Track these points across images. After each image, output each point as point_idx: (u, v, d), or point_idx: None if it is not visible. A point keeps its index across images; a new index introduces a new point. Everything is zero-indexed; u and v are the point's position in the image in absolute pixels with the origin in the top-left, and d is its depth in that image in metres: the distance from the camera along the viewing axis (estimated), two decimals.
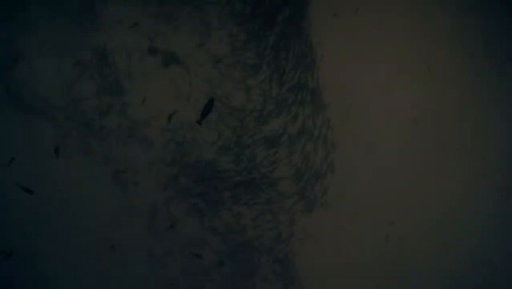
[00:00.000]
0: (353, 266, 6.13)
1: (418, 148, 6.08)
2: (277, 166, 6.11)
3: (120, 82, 6.13)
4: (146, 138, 6.20)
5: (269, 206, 6.16)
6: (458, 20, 5.99)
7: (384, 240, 6.09)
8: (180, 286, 6.30)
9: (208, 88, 6.10)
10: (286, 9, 5.91)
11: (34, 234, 6.17)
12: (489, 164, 6.10)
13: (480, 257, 6.14)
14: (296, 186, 6.14)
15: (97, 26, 6.06)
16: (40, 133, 6.14)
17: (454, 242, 6.13)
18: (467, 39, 6.01)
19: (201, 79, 6.10)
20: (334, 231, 6.11)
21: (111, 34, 6.06)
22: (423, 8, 5.97)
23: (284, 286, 6.22)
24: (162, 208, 6.25)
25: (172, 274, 6.31)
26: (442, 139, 6.07)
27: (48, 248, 6.17)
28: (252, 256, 6.24)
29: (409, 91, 6.03)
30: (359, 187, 6.06)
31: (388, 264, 6.13)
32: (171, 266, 6.30)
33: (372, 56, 5.96)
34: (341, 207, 6.08)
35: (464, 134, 6.09)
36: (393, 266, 6.13)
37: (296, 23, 5.95)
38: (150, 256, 6.29)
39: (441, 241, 6.13)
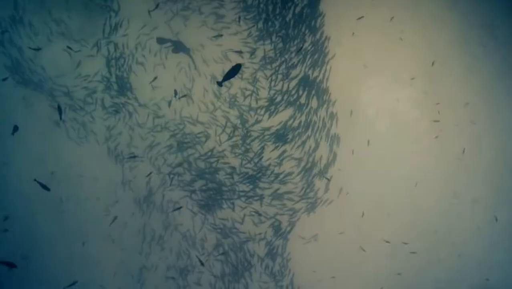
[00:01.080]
0: (351, 267, 6.00)
1: (422, 147, 6.05)
2: (281, 160, 6.03)
3: (126, 66, 6.14)
4: (149, 125, 6.16)
5: (271, 202, 6.05)
6: (467, 20, 6.10)
7: (385, 241, 5.99)
8: (175, 277, 6.13)
9: (215, 80, 6.08)
10: (299, 4, 5.97)
11: (33, 202, 6.08)
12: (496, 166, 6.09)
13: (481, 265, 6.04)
14: (300, 182, 6.05)
15: (109, 10, 6.09)
16: (39, 107, 6.15)
17: (455, 245, 6.05)
18: (475, 38, 6.09)
19: (209, 71, 6.09)
20: (334, 229, 6.00)
21: (122, 19, 6.10)
22: (433, 8, 6.07)
23: (276, 284, 6.04)
24: (160, 195, 6.16)
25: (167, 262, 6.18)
26: (447, 139, 6.05)
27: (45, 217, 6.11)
28: (249, 252, 6.09)
29: (415, 91, 6.05)
30: (362, 185, 5.99)
31: (388, 265, 6.00)
32: (168, 255, 6.16)
33: (383, 56, 6.00)
34: (342, 205, 5.98)
35: (471, 133, 6.08)
36: (392, 267, 6.01)
37: (309, 19, 6.01)
38: (148, 243, 6.17)
39: (443, 242, 6.04)
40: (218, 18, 6.12)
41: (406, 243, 5.95)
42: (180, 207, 6.06)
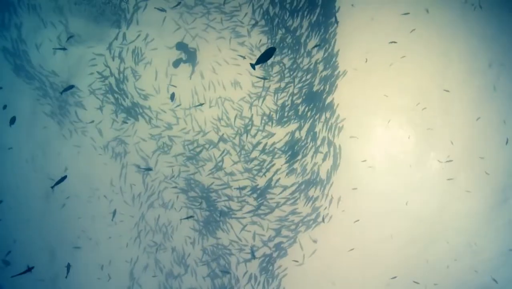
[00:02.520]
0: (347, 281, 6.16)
1: (423, 165, 6.00)
2: (285, 175, 5.96)
3: (132, 72, 5.95)
4: (150, 132, 6.05)
5: (273, 216, 6.04)
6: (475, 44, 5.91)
7: (385, 254, 6.09)
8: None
9: (225, 95, 5.97)
10: (311, 14, 5.71)
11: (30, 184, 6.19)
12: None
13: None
14: (304, 196, 6.01)
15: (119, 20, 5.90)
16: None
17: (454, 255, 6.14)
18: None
19: (221, 85, 5.98)
20: (333, 242, 6.08)
21: (132, 23, 5.90)
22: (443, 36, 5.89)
23: None
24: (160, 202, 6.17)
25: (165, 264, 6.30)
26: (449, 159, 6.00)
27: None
28: (245, 269, 6.17)
29: (419, 112, 5.93)
30: (362, 200, 5.99)
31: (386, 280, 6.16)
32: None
33: (392, 77, 5.85)
34: (342, 220, 6.02)
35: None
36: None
37: (321, 30, 5.79)
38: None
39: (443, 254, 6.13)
40: (236, 34, 5.92)
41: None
42: (192, 216, 6.00)
